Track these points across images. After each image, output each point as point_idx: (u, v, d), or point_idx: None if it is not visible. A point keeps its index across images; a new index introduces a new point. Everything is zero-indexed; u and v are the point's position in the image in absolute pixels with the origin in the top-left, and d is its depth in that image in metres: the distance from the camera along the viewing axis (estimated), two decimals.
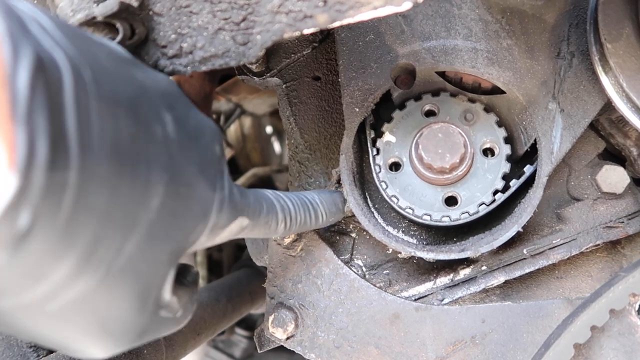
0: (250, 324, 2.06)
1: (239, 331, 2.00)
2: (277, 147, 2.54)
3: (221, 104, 2.09)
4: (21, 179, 0.27)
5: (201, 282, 1.82)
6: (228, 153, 1.65)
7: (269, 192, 0.56)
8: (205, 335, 0.99)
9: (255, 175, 1.99)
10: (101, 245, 0.33)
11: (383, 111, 0.78)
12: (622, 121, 0.72)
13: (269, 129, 2.50)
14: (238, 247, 2.01)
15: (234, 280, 1.25)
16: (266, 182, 1.98)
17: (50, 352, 0.81)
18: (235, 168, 2.17)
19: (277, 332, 0.70)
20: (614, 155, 0.77)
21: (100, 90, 0.33)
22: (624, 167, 0.72)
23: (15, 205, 0.27)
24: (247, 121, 2.35)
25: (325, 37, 0.86)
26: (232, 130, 2.27)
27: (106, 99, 0.33)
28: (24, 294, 0.32)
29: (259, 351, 0.84)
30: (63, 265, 0.32)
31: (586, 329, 0.58)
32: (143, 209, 0.36)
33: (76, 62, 0.32)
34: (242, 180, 1.95)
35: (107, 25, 0.53)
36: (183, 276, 0.50)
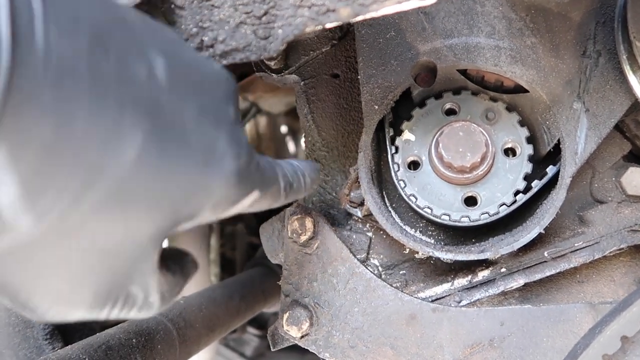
0: (262, 323, 2.06)
1: (251, 330, 2.00)
2: (291, 146, 2.54)
3: None
4: None
5: (214, 280, 1.82)
6: None
7: (269, 158, 0.50)
8: (219, 332, 0.99)
9: None
10: (49, 185, 0.30)
11: (402, 109, 0.77)
12: None
13: (283, 129, 2.50)
14: (251, 246, 2.01)
15: (247, 278, 1.25)
16: None
17: (66, 344, 0.81)
18: None
19: (292, 330, 0.70)
20: (639, 158, 0.75)
21: (51, 9, 0.30)
22: None
23: None
24: (262, 120, 2.36)
25: (345, 34, 0.86)
26: (247, 129, 2.27)
27: (58, 20, 0.30)
28: None
29: (272, 349, 0.84)
30: (3, 189, 0.28)
31: (616, 339, 0.56)
32: (110, 157, 0.31)
33: None
34: None
35: None
36: (174, 261, 0.45)
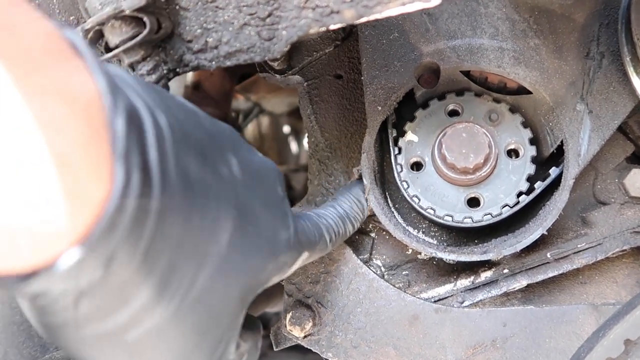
0: (264, 323, 2.06)
1: None
2: (294, 147, 2.54)
3: (239, 103, 2.10)
4: (116, 208, 0.31)
5: None
6: None
7: (312, 215, 0.59)
8: None
9: None
10: (176, 274, 0.36)
11: (405, 110, 0.77)
12: None
13: (286, 129, 2.50)
14: None
15: None
16: None
17: None
18: None
19: (295, 330, 0.70)
20: None
21: (174, 134, 0.37)
22: None
23: (108, 230, 0.31)
24: (264, 120, 2.36)
25: (348, 35, 0.86)
26: (250, 129, 2.27)
27: (178, 141, 0.37)
28: (108, 320, 0.35)
29: (275, 349, 0.84)
30: (143, 292, 0.34)
31: (619, 342, 0.56)
32: (213, 242, 0.39)
33: (154, 110, 0.36)
34: None
35: (134, 19, 0.53)
36: (247, 321, 0.51)
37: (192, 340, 0.40)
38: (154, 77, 0.54)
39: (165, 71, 0.56)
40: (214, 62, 0.57)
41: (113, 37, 0.52)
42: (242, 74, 1.71)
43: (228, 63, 0.57)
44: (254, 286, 0.46)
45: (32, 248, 0.30)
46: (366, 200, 0.69)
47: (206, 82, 1.49)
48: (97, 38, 0.53)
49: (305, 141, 2.58)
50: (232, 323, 0.44)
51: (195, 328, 0.40)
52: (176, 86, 1.39)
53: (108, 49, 0.53)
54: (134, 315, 0.35)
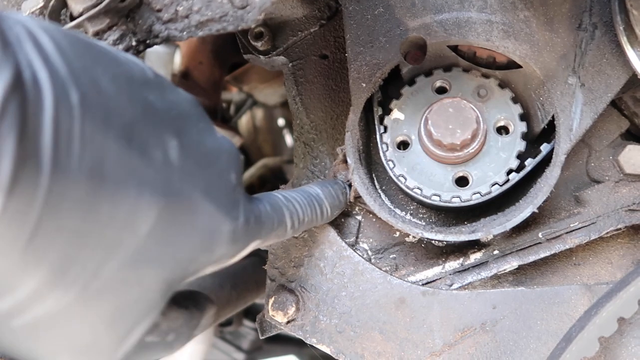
0: (256, 315, 2.04)
1: (247, 323, 1.98)
2: (288, 139, 2.52)
3: (233, 95, 2.07)
4: None
5: None
6: (237, 141, 1.64)
7: (279, 198, 0.54)
8: None
9: (266, 166, 1.97)
10: (74, 264, 0.33)
11: (392, 89, 0.75)
12: None
13: (280, 122, 2.48)
14: None
15: (239, 268, 1.23)
16: (276, 173, 1.96)
17: None
18: (246, 159, 2.15)
19: (278, 315, 0.68)
20: (637, 138, 0.72)
21: (88, 114, 0.33)
22: None
23: None
24: (259, 113, 2.33)
25: (334, 14, 0.83)
26: (244, 122, 2.25)
27: (94, 122, 0.33)
28: None
29: (260, 337, 0.82)
30: (30, 281, 0.32)
31: (613, 321, 0.54)
32: (128, 233, 0.36)
33: (64, 83, 0.32)
34: (252, 170, 1.93)
35: None
36: (188, 300, 0.50)
37: (95, 329, 0.37)
38: (120, 47, 0.51)
39: (134, 42, 0.53)
40: (185, 33, 0.54)
41: (76, 4, 0.49)
42: (233, 64, 1.68)
43: (200, 33, 0.54)
44: (180, 277, 0.42)
45: None
46: (345, 195, 0.66)
47: (195, 71, 1.46)
48: (60, 7, 0.50)
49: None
50: (148, 312, 0.41)
51: (99, 317, 0.37)
52: (163, 74, 1.36)
53: (72, 18, 0.50)
54: (19, 303, 0.33)
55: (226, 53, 1.51)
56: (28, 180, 0.30)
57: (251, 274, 1.22)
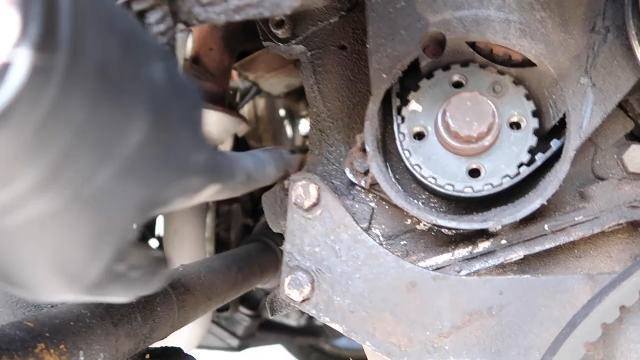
0: (253, 304, 2.07)
1: (243, 309, 2.01)
2: (289, 130, 2.54)
3: (237, 83, 2.08)
4: (10, 51, 0.26)
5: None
6: (244, 128, 1.66)
7: (232, 154, 0.58)
8: (216, 301, 0.99)
9: None
10: (72, 164, 0.32)
11: (409, 81, 0.77)
12: None
13: (282, 112, 2.50)
14: (246, 227, 2.02)
15: (244, 252, 1.25)
16: None
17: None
18: (246, 148, 2.17)
19: (293, 293, 0.70)
20: None
21: (99, 9, 0.33)
22: None
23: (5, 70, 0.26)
24: (260, 102, 2.35)
25: (354, 6, 0.86)
26: (246, 111, 2.26)
27: (103, 19, 0.33)
28: None
29: (270, 316, 0.84)
30: (29, 173, 0.30)
31: (615, 308, 0.57)
32: (121, 140, 0.35)
33: None
34: None
35: None
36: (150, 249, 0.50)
37: (79, 240, 0.36)
38: (162, 26, 0.53)
39: (173, 22, 0.55)
40: (222, 16, 0.56)
41: None
42: (241, 52, 1.70)
43: (237, 17, 0.56)
44: (157, 201, 0.42)
45: None
46: (286, 159, 0.71)
47: (205, 57, 1.48)
48: None
49: (300, 124, 2.57)
50: (124, 233, 0.40)
51: (85, 227, 0.36)
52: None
53: None
54: (14, 199, 0.30)
55: (236, 41, 1.53)
56: (51, 46, 0.28)
57: (255, 259, 1.25)
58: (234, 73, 1.97)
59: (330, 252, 0.72)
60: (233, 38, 1.52)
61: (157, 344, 0.84)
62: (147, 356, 0.81)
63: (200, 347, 2.07)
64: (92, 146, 0.33)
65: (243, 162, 0.57)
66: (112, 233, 0.39)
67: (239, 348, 2.11)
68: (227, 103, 1.64)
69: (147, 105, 0.37)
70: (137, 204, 0.40)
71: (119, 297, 0.45)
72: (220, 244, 1.98)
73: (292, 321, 2.22)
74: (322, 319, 0.70)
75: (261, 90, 2.09)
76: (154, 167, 0.40)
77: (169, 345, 0.88)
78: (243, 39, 1.55)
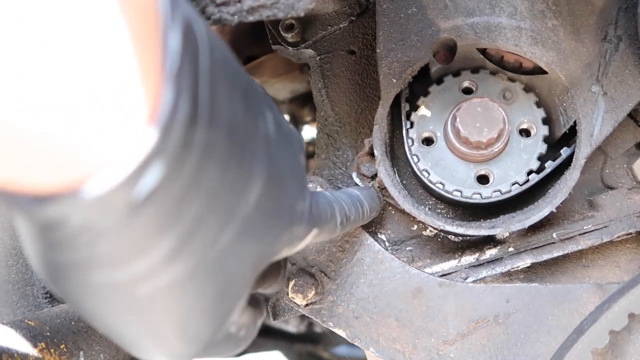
0: None
1: None
2: None
3: None
4: (162, 134, 0.27)
5: None
6: None
7: (327, 194, 0.55)
8: None
9: None
10: (201, 229, 0.32)
11: (418, 87, 0.77)
12: None
13: (286, 118, 2.50)
14: None
15: None
16: None
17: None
18: None
19: (297, 298, 0.70)
20: None
21: (227, 70, 0.33)
22: None
23: (151, 160, 0.27)
24: None
25: (364, 11, 0.86)
26: None
27: (229, 80, 0.33)
28: (122, 269, 0.30)
29: (272, 320, 0.84)
30: (165, 242, 0.30)
31: (624, 315, 0.57)
32: (242, 200, 0.35)
33: (211, 38, 0.32)
34: None
35: None
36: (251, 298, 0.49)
37: (201, 304, 0.36)
38: None
39: None
40: (236, 16, 0.56)
41: None
42: (247, 56, 1.70)
43: (251, 18, 0.56)
44: (267, 255, 0.42)
45: (65, 164, 0.26)
46: (380, 199, 0.69)
47: None
48: None
49: (304, 130, 2.57)
50: (241, 291, 0.40)
51: (207, 292, 0.36)
52: None
53: None
54: (150, 268, 0.31)
55: (243, 44, 1.53)
56: (192, 121, 0.29)
57: None
58: None
59: (336, 256, 0.71)
60: (240, 42, 1.53)
61: None
62: None
63: None
64: (220, 210, 0.33)
65: (341, 203, 0.55)
66: (230, 294, 0.39)
67: (237, 354, 2.10)
68: None
69: (263, 159, 0.37)
70: (254, 260, 0.39)
71: (224, 355, 0.45)
72: None
73: (292, 327, 2.21)
74: (326, 323, 0.70)
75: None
76: (267, 222, 0.39)
77: None
78: (250, 42, 1.55)
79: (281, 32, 0.87)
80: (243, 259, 0.38)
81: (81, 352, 0.61)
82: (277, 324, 2.23)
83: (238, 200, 0.35)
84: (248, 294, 0.42)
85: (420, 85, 0.77)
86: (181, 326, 0.35)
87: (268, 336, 2.31)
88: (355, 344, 0.69)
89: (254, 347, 2.31)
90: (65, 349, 0.60)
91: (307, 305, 0.70)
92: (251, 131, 0.36)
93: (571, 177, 0.65)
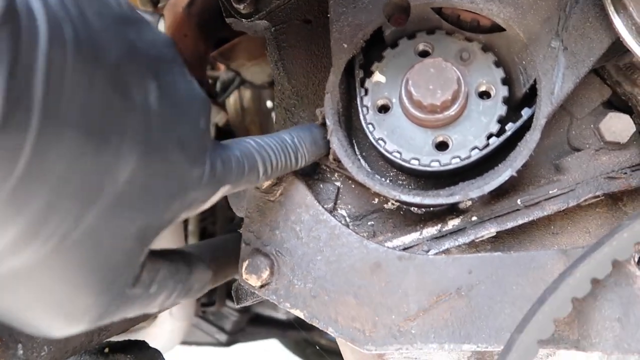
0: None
1: (230, 304, 1.97)
2: None
3: (220, 73, 2.04)
4: None
5: None
6: (223, 117, 1.62)
7: (251, 144, 0.53)
8: None
9: None
10: (55, 214, 0.32)
11: (373, 53, 0.73)
12: (630, 68, 0.67)
13: (269, 104, 2.45)
14: (232, 220, 1.98)
15: (220, 241, 1.21)
16: None
17: None
18: (231, 137, 2.13)
19: (251, 278, 0.66)
20: (618, 109, 0.72)
21: (80, 52, 0.31)
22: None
23: None
24: (246, 94, 2.30)
25: None
26: (232, 102, 2.22)
27: (85, 61, 0.31)
28: None
29: (236, 305, 0.80)
30: (8, 232, 0.30)
31: (586, 282, 0.53)
32: (109, 180, 0.35)
33: (58, 16, 0.30)
34: None
35: None
36: (176, 256, 0.49)
37: (71, 282, 0.37)
38: None
39: None
40: None
41: None
42: (220, 39, 1.65)
43: None
44: (157, 225, 0.42)
45: None
46: (325, 140, 0.65)
47: (179, 43, 1.43)
48: None
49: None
50: (128, 262, 0.41)
51: (76, 270, 0.36)
52: None
53: None
54: None
55: (212, 27, 1.48)
56: (18, 121, 0.28)
57: (232, 249, 1.21)
58: (220, 64, 1.93)
59: (291, 234, 0.67)
60: (209, 24, 1.48)
61: (140, 337, 0.81)
62: (106, 350, 0.77)
63: (188, 343, 2.04)
64: (77, 193, 0.33)
65: (267, 151, 0.54)
66: (111, 265, 0.39)
67: (228, 343, 2.08)
68: (206, 91, 1.60)
69: (137, 136, 0.36)
70: (135, 232, 0.39)
71: (147, 310, 0.45)
72: (207, 238, 1.94)
73: (282, 315, 2.19)
74: (283, 305, 0.66)
75: (245, 80, 2.05)
76: (147, 194, 0.39)
77: (138, 339, 0.84)
78: (219, 25, 1.50)
79: (233, 3, 0.82)
80: (120, 232, 0.38)
81: (19, 345, 0.58)
82: (267, 312, 2.21)
83: (102, 181, 0.34)
84: (139, 260, 0.42)
85: (375, 51, 0.72)
86: (54, 303, 0.36)
87: (259, 325, 2.29)
88: (314, 324, 0.65)
89: (247, 337, 2.29)
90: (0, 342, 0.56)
91: (262, 286, 0.67)
92: (119, 111, 0.34)
93: (532, 138, 0.61)
